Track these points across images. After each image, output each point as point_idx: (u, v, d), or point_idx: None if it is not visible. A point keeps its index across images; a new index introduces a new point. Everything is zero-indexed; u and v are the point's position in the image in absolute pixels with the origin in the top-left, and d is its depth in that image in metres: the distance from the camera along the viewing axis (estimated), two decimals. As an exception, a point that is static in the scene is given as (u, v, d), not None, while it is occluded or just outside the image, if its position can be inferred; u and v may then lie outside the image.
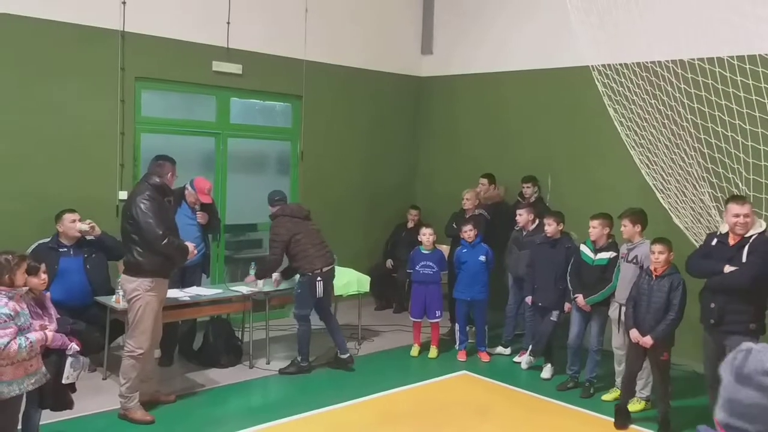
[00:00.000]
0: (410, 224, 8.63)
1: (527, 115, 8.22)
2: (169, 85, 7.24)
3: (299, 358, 6.30)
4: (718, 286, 4.77)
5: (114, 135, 6.72)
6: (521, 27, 8.24)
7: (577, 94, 7.65)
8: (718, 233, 4.97)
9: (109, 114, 6.67)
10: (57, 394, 4.30)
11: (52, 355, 4.21)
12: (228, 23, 7.43)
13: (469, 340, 7.01)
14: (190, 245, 5.30)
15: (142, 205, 4.93)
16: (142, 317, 5.04)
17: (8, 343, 3.82)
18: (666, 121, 5.92)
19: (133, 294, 5.03)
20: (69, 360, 4.24)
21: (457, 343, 6.98)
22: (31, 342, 3.94)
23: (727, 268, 4.70)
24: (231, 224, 7.77)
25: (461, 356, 6.88)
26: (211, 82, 7.43)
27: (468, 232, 6.82)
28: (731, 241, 4.79)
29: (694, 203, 5.76)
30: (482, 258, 6.79)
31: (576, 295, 5.95)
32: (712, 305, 4.76)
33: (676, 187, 5.83)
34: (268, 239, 6.44)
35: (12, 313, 3.90)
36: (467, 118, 8.89)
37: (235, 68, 7.54)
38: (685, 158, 5.82)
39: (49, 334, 4.10)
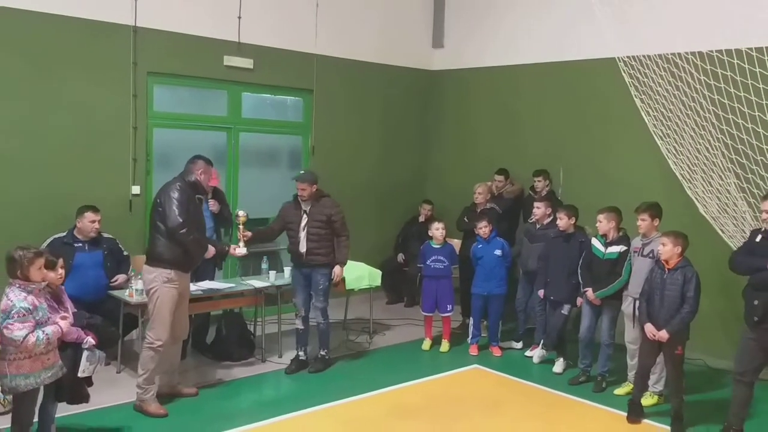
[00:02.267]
0: (422, 218, 8.63)
1: (539, 109, 8.18)
2: (181, 80, 7.27)
3: (323, 353, 6.28)
4: (761, 283, 4.66)
5: (126, 130, 6.75)
6: (533, 20, 8.21)
7: (589, 87, 7.63)
8: (763, 230, 4.85)
9: (121, 109, 6.71)
10: (73, 388, 4.34)
11: (68, 349, 4.26)
12: (239, 18, 7.44)
13: (482, 335, 7.01)
14: (211, 249, 5.42)
15: (172, 194, 5.03)
16: (161, 308, 5.08)
17: (26, 335, 3.87)
18: (689, 112, 5.89)
19: (152, 285, 5.09)
20: (85, 353, 4.28)
21: (470, 337, 6.99)
22: (47, 335, 3.97)
23: None
24: (243, 218, 7.78)
25: (473, 350, 6.89)
26: (222, 76, 7.45)
27: (483, 228, 6.79)
28: None
29: (720, 193, 5.71)
30: (498, 252, 6.77)
31: (586, 289, 5.94)
32: (756, 302, 4.67)
33: (702, 177, 5.78)
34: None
35: (30, 307, 3.94)
36: (479, 111, 8.86)
37: (246, 63, 7.55)
38: (710, 149, 5.78)
39: (62, 323, 4.11)
